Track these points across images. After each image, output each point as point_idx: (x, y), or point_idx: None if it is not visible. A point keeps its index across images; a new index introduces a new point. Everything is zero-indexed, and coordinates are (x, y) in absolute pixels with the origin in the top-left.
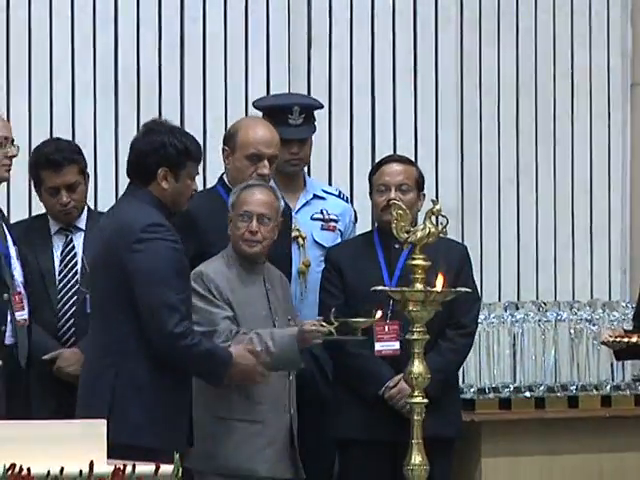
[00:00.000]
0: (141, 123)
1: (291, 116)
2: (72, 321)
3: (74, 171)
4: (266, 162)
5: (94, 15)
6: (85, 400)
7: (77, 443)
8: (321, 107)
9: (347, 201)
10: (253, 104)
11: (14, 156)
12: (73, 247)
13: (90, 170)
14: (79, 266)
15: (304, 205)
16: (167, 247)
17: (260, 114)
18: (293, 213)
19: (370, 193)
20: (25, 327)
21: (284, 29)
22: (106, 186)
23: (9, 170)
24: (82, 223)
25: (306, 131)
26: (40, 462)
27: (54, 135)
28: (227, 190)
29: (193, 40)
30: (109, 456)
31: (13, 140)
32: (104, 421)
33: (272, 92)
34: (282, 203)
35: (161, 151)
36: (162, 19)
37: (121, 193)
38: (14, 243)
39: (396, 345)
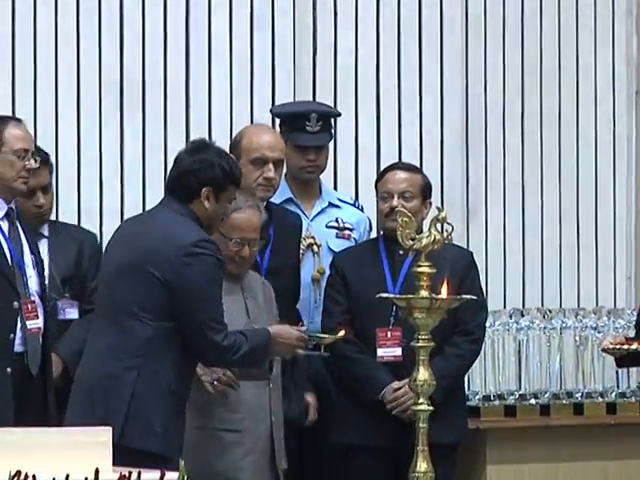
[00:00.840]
0: (146, 131)
1: (308, 123)
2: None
3: (47, 173)
4: (271, 166)
5: (99, 26)
6: (98, 402)
7: (82, 450)
8: (338, 115)
9: (362, 210)
10: (270, 111)
11: (33, 169)
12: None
13: (95, 175)
14: (47, 272)
15: (319, 213)
16: (215, 264)
17: (267, 121)
18: (308, 220)
19: (377, 201)
20: (38, 335)
21: (289, 36)
22: (112, 193)
23: (26, 182)
24: (45, 230)
25: (323, 138)
26: (45, 469)
27: (60, 140)
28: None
29: (198, 46)
30: (119, 459)
31: (34, 152)
32: (109, 428)
33: (277, 99)
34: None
35: (209, 171)
36: (167, 26)
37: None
38: (31, 252)
39: (398, 351)
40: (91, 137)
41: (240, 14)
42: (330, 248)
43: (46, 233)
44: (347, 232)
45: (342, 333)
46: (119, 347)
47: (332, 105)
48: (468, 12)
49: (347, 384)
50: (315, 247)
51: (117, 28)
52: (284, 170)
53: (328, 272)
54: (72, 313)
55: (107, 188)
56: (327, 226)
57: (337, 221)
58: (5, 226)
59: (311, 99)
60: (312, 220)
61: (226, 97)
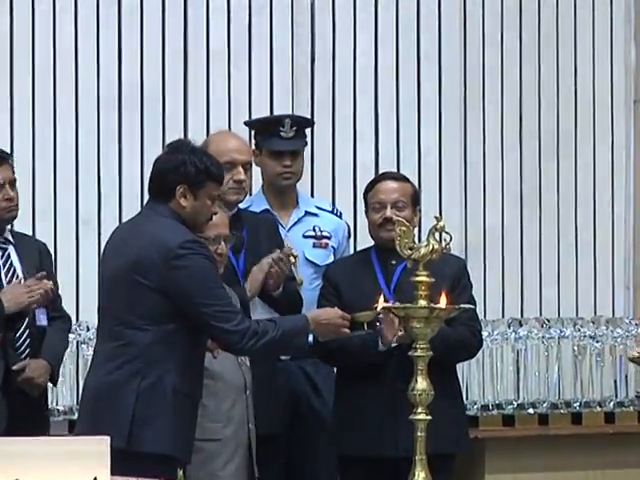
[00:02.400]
0: (145, 138)
1: (282, 128)
2: (26, 333)
3: (10, 169)
4: (240, 168)
5: (97, 31)
6: (104, 411)
7: (80, 459)
8: (312, 124)
9: (340, 217)
10: (244, 123)
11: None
12: (9, 258)
13: (94, 181)
14: (21, 278)
15: (296, 223)
16: (204, 260)
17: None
18: (285, 231)
19: (366, 211)
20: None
21: (287, 45)
22: (110, 200)
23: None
24: (10, 236)
25: (297, 143)
26: (43, 478)
27: (58, 149)
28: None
29: (196, 56)
30: (128, 466)
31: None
32: (107, 438)
33: (275, 108)
34: None
35: (181, 169)
36: (165, 35)
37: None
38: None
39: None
40: (90, 152)
41: (238, 24)
42: (307, 259)
43: (11, 239)
44: (325, 241)
45: (379, 306)
46: (121, 355)
47: (330, 112)
48: (466, 21)
49: (351, 364)
50: (292, 258)
51: (115, 42)
52: (259, 182)
53: (305, 283)
54: (43, 320)
55: (105, 196)
56: (304, 236)
57: (314, 229)
58: None
59: (309, 107)
60: (289, 231)
61: (224, 108)
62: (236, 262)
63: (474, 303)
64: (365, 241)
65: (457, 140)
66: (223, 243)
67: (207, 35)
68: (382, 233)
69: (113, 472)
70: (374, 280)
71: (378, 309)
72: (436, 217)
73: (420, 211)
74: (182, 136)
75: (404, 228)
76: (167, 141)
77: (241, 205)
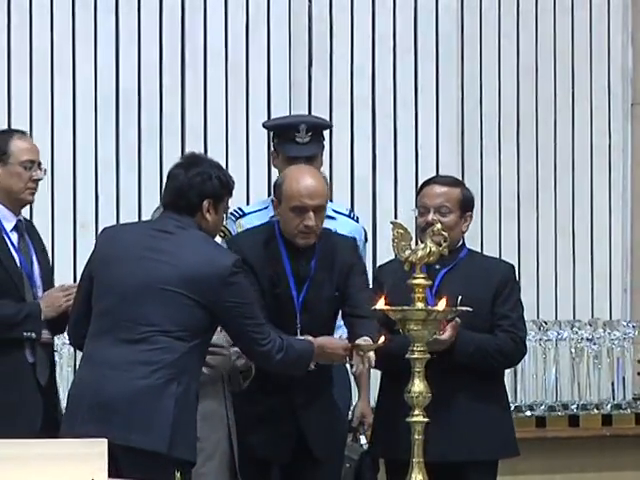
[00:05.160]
0: (142, 141)
1: (298, 134)
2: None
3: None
4: (311, 214)
5: (95, 32)
6: (136, 416)
7: (78, 461)
8: (329, 127)
9: (357, 221)
10: (263, 125)
11: (40, 179)
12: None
13: (91, 184)
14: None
15: None
16: (247, 277)
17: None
18: None
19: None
20: (49, 346)
21: (285, 47)
22: (108, 200)
23: (33, 193)
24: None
25: (313, 149)
26: None
27: (55, 151)
28: (283, 237)
29: (194, 58)
30: (156, 469)
31: (40, 164)
32: (105, 440)
33: (273, 110)
34: None
35: (208, 183)
36: (163, 36)
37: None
38: (39, 262)
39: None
40: (87, 150)
41: (235, 26)
42: None
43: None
44: None
45: (382, 340)
46: (157, 361)
47: (327, 117)
48: (464, 24)
49: (388, 366)
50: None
51: (113, 42)
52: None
53: None
54: None
55: (103, 200)
56: None
57: None
58: (15, 238)
59: (307, 111)
60: None
61: (221, 110)
62: (296, 293)
63: (522, 310)
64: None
65: (455, 141)
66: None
67: (204, 39)
68: (424, 237)
69: (144, 474)
70: None
71: (380, 342)
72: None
73: (471, 217)
74: (180, 138)
75: (401, 231)
76: (164, 144)
77: (257, 207)
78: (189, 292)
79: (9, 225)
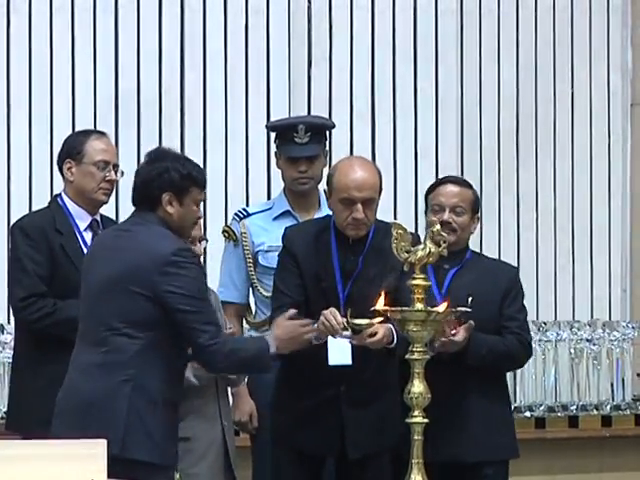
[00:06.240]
0: (141, 143)
1: (296, 134)
2: None
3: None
4: (359, 206)
5: (94, 36)
6: (92, 417)
7: (77, 462)
8: (331, 127)
9: None
10: (266, 126)
11: (114, 181)
12: None
13: None
14: None
15: None
16: (196, 270)
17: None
18: None
19: (425, 212)
20: None
21: (284, 49)
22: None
23: (107, 194)
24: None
25: (312, 149)
26: None
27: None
28: (336, 230)
29: (194, 58)
30: (117, 472)
31: (117, 165)
32: (104, 441)
33: (273, 110)
34: None
35: (165, 176)
36: (162, 38)
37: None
38: None
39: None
40: None
41: (235, 28)
42: None
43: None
44: None
45: (378, 319)
46: (110, 362)
47: (327, 117)
48: (463, 26)
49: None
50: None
51: (112, 44)
52: (281, 183)
53: None
54: None
55: None
56: None
57: None
58: (88, 237)
59: (306, 111)
60: None
61: (221, 111)
62: (342, 287)
63: (525, 312)
64: None
65: (455, 142)
66: (198, 244)
67: (204, 40)
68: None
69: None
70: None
71: (375, 320)
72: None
73: (479, 219)
74: (179, 139)
75: (400, 231)
76: (164, 143)
77: (261, 207)
78: (133, 285)
79: (83, 224)
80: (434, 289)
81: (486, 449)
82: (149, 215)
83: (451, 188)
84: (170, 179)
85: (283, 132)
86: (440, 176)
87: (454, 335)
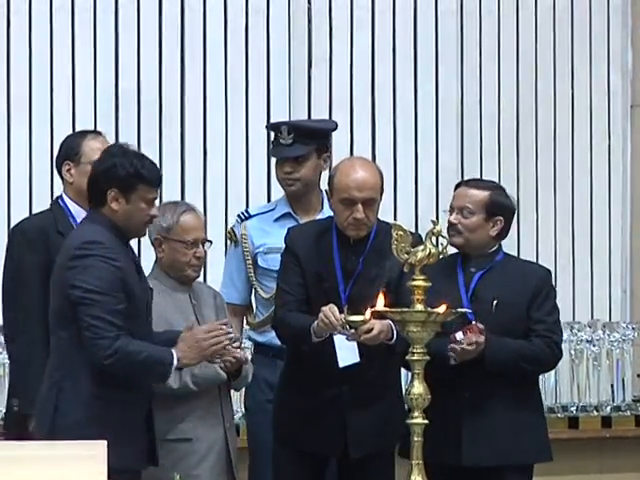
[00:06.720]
0: (141, 143)
1: (280, 135)
2: None
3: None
4: (360, 206)
5: (94, 36)
6: (37, 417)
7: (77, 464)
8: (326, 129)
9: None
10: (265, 126)
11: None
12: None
13: None
14: None
15: None
16: (100, 262)
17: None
18: None
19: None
20: None
21: (284, 49)
22: None
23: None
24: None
25: (297, 150)
26: None
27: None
28: (338, 230)
29: (194, 58)
30: None
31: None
32: (104, 442)
33: (273, 110)
34: None
35: (110, 172)
36: (162, 38)
37: None
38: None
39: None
40: None
41: (235, 28)
42: None
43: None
44: None
45: (368, 314)
46: (49, 365)
47: (327, 117)
48: (463, 27)
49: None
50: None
51: (112, 45)
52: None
53: None
54: None
55: None
56: None
57: None
58: None
59: (306, 112)
60: None
61: (221, 111)
62: (343, 287)
63: (557, 314)
64: None
65: (455, 142)
66: (201, 246)
67: (204, 41)
68: (450, 238)
69: None
70: (454, 286)
71: (366, 316)
72: (433, 221)
73: (500, 222)
74: (179, 139)
75: (401, 232)
76: (164, 144)
77: (263, 209)
78: (58, 284)
79: None
80: (462, 292)
81: (508, 453)
82: (96, 212)
83: (462, 190)
84: (116, 176)
85: (271, 133)
86: (440, 176)
87: (458, 340)
